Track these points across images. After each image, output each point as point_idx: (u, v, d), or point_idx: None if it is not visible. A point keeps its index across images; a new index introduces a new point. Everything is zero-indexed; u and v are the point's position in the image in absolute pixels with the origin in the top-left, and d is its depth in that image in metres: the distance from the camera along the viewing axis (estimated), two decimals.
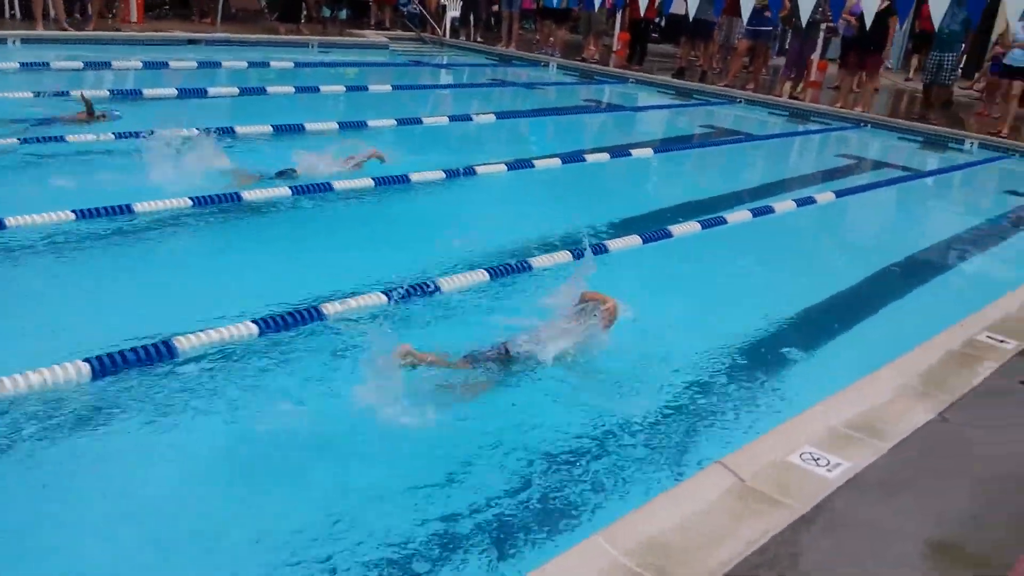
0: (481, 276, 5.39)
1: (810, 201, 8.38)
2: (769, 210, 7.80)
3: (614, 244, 6.32)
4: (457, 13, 17.88)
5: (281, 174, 6.90)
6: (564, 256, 5.89)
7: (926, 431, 3.65)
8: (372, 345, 3.91)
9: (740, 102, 14.56)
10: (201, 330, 4.18)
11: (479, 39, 17.90)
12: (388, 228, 6.51)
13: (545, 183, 8.40)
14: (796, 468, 3.26)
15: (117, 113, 8.14)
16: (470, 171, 7.96)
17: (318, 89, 11.18)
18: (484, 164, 8.15)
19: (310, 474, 3.42)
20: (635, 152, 9.81)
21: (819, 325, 5.48)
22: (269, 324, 4.38)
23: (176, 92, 9.95)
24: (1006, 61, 13.33)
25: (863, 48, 13.72)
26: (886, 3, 12.94)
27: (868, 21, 12.96)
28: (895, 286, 6.46)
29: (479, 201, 7.53)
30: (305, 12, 16.23)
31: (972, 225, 8.75)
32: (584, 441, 3.77)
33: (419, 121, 9.95)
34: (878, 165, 11.44)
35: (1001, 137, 12.83)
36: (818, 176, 10.51)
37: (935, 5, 12.59)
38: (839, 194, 8.86)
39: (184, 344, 4.08)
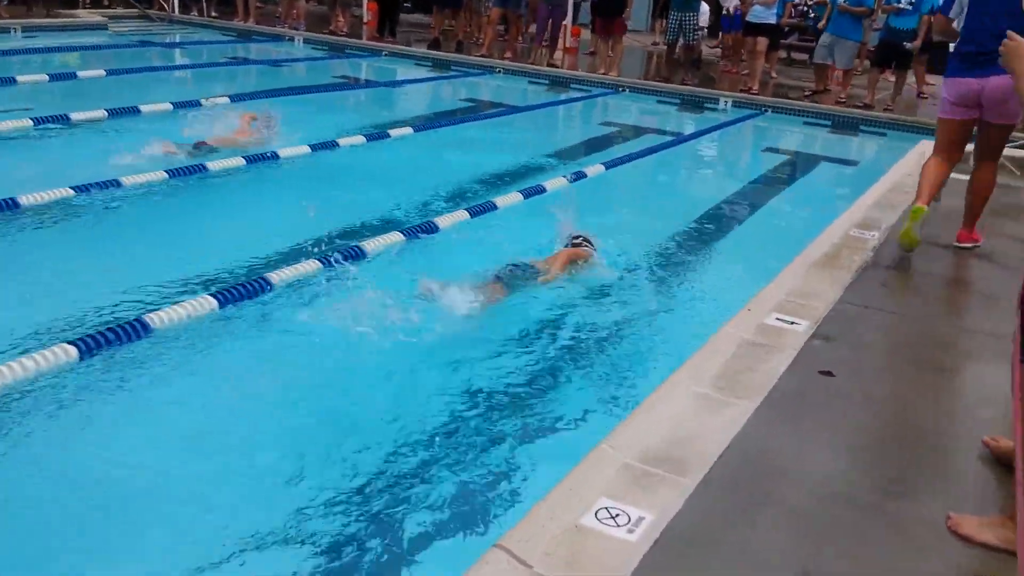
0: (209, 303, 4.46)
1: (581, 176, 7.93)
2: (540, 190, 7.26)
3: (370, 245, 5.51)
4: None
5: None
6: (313, 265, 5.03)
7: (731, 455, 3.14)
8: None
9: (499, 72, 14.06)
10: None
11: (213, 14, 16.28)
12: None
13: (293, 174, 7.44)
14: (592, 535, 2.62)
15: None
16: (200, 168, 6.85)
17: (15, 81, 9.49)
18: (217, 160, 7.05)
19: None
20: (394, 132, 9.00)
21: (601, 325, 4.87)
22: None
23: None
24: (749, 18, 13.65)
25: (606, 11, 13.61)
26: None
27: None
28: (680, 263, 6.05)
29: (211, 204, 6.47)
30: None
31: (740, 189, 8.66)
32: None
33: (136, 111, 8.62)
34: (642, 131, 11.28)
35: (753, 94, 13.11)
36: (586, 147, 10.15)
37: None
38: (608, 166, 8.50)
39: None
